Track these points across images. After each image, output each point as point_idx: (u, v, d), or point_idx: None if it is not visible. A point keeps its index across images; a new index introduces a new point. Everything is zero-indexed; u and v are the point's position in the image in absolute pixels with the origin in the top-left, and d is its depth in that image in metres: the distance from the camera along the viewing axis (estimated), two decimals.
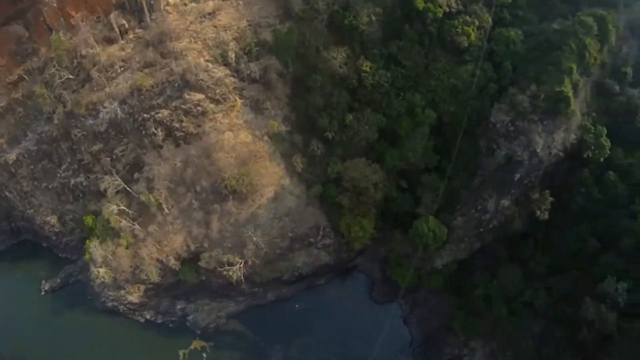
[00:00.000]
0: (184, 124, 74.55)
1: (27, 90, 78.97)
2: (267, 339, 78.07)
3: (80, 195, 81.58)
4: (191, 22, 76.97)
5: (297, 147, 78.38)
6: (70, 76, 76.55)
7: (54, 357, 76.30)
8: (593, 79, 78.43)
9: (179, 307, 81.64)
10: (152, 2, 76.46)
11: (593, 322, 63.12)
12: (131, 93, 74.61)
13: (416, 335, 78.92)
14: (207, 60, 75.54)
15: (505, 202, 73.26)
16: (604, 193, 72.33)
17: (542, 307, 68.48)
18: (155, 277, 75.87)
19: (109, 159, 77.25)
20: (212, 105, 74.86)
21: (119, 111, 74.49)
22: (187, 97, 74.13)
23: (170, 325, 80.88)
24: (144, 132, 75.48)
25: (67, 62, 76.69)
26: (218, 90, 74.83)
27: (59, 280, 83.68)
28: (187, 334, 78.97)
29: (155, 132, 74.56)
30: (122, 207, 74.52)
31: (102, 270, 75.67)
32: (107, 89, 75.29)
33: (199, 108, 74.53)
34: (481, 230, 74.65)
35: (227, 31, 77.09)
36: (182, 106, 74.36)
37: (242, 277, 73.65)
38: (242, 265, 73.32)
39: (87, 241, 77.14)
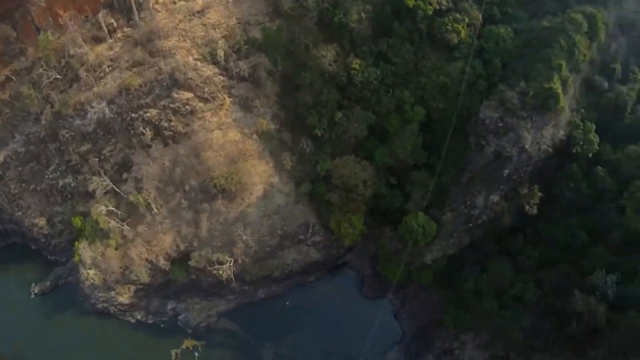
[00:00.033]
0: (172, 123, 74.28)
1: (14, 91, 78.51)
2: (258, 336, 78.01)
3: (69, 196, 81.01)
4: (180, 21, 76.83)
5: (286, 145, 78.27)
6: (58, 76, 76.19)
7: None
8: (582, 76, 78.73)
9: (169, 306, 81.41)
10: (140, 0, 76.30)
11: (582, 314, 63.54)
12: (119, 92, 74.32)
13: (407, 330, 79.37)
14: (196, 59, 75.28)
15: (495, 198, 73.54)
16: (592, 188, 72.80)
17: (531, 300, 68.82)
18: (145, 278, 75.48)
19: (97, 159, 76.84)
20: (200, 104, 74.60)
21: (107, 111, 74.14)
22: (176, 96, 73.88)
23: (162, 326, 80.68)
24: (132, 131, 75.13)
25: (55, 62, 76.36)
26: (207, 89, 74.57)
27: (48, 283, 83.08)
28: (178, 333, 78.75)
29: (144, 131, 74.18)
30: (110, 208, 74.07)
31: (91, 272, 75.24)
32: (95, 89, 75.02)
33: (188, 107, 74.24)
34: (470, 225, 74.85)
35: (216, 29, 76.94)
36: (171, 105, 74.10)
37: (232, 276, 73.38)
38: (231, 264, 73.07)
39: (76, 243, 76.75)
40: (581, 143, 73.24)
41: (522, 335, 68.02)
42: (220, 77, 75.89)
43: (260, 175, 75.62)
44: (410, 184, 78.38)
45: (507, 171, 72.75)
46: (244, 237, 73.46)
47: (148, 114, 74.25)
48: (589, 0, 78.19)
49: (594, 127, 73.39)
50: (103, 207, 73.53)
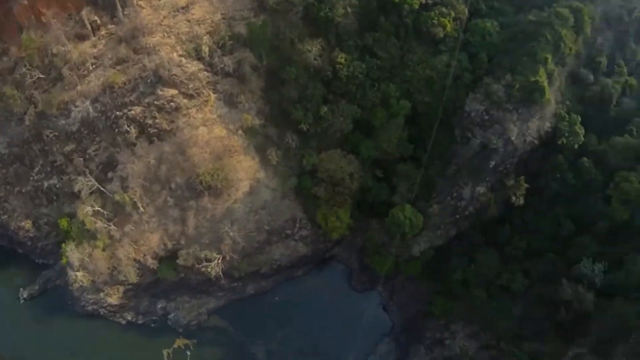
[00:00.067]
0: (157, 120, 73.78)
1: None
2: (249, 332, 77.84)
3: (54, 197, 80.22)
4: (164, 17, 76.28)
5: (271, 140, 78.04)
6: (42, 75, 75.39)
7: None
8: (568, 69, 79.26)
9: (159, 306, 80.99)
10: None
11: (571, 302, 64.11)
12: (103, 91, 73.73)
13: (396, 322, 79.61)
14: (180, 55, 74.86)
15: (481, 189, 73.84)
16: (578, 178, 73.29)
17: (519, 290, 69.32)
18: (133, 278, 74.91)
19: (82, 159, 76.23)
20: (185, 101, 74.21)
21: (91, 110, 73.60)
22: (160, 93, 73.43)
23: (152, 325, 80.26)
24: (116, 130, 74.56)
25: (38, 61, 75.46)
26: (191, 85, 74.22)
27: (37, 287, 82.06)
28: (169, 332, 78.40)
29: (128, 129, 73.62)
30: (96, 208, 73.53)
31: (79, 274, 74.41)
32: (78, 88, 74.38)
33: (172, 104, 73.81)
34: (457, 217, 75.17)
35: (201, 25, 76.48)
36: (155, 102, 73.63)
37: (220, 273, 73.20)
38: (220, 261, 72.89)
39: (63, 245, 75.88)
40: (567, 135, 73.66)
41: (512, 323, 68.36)
42: (205, 73, 75.55)
43: (246, 171, 75.36)
44: (397, 177, 78.49)
45: (493, 163, 73.00)
46: (231, 233, 73.26)
47: (132, 112, 73.71)
48: None
49: (580, 119, 73.83)
50: (89, 208, 72.92)
